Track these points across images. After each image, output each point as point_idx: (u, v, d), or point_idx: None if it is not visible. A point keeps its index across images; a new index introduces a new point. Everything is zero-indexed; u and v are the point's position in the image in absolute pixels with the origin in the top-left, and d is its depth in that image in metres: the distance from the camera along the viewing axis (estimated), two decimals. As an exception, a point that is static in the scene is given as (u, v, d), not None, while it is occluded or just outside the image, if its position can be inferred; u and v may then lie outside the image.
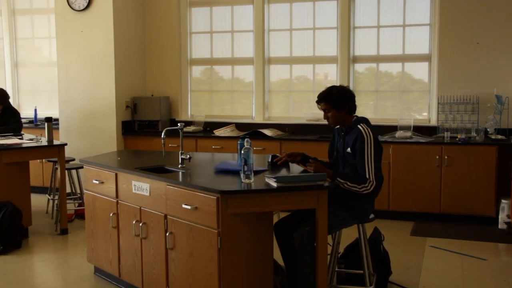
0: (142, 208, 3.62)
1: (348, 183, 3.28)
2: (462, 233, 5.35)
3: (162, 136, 3.86)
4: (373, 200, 3.49)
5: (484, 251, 4.81)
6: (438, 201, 5.71)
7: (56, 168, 5.54)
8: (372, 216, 3.54)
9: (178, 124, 3.96)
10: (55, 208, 5.80)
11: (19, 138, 5.62)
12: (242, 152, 3.17)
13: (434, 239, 5.17)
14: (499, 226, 5.42)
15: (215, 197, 3.01)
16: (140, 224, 3.62)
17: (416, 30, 6.34)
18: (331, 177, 3.32)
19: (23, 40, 8.00)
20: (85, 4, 6.58)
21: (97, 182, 4.02)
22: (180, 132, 3.91)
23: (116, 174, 3.84)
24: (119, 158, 4.33)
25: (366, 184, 3.28)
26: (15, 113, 6.21)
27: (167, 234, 3.38)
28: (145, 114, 6.93)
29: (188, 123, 6.91)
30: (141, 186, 3.60)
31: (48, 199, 6.17)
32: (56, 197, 5.77)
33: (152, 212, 3.53)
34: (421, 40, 6.32)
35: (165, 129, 3.89)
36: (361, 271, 3.55)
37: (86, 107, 6.75)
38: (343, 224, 3.44)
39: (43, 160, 6.95)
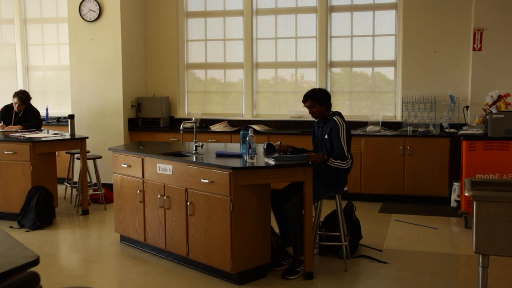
0: (165, 184, 4.57)
1: (338, 161, 4.29)
2: (421, 210, 6.41)
3: (181, 128, 4.82)
4: (347, 176, 4.51)
5: (437, 223, 5.88)
6: (402, 184, 6.77)
7: (78, 159, 6.44)
8: (346, 189, 4.57)
9: (193, 118, 4.91)
10: (75, 193, 6.69)
11: (44, 133, 6.50)
12: (247, 139, 4.17)
13: (398, 215, 6.22)
14: (451, 204, 6.48)
15: (228, 172, 3.99)
16: (164, 197, 4.57)
17: (384, 39, 7.40)
18: (325, 159, 4.31)
19: (33, 46, 8.84)
20: (96, 16, 7.48)
21: (125, 166, 4.96)
22: (194, 125, 4.87)
23: (142, 159, 4.78)
24: (141, 147, 5.26)
25: (348, 160, 4.30)
26: (35, 112, 7.04)
27: (188, 203, 4.34)
28: (148, 112, 7.85)
29: (185, 120, 7.83)
30: (165, 167, 4.55)
31: (66, 186, 7.05)
32: (75, 184, 6.67)
33: (174, 187, 4.48)
34: (387, 48, 7.38)
35: (183, 122, 4.85)
36: (338, 233, 4.57)
37: (96, 106, 7.63)
38: (324, 195, 4.45)
39: (56, 153, 7.79)
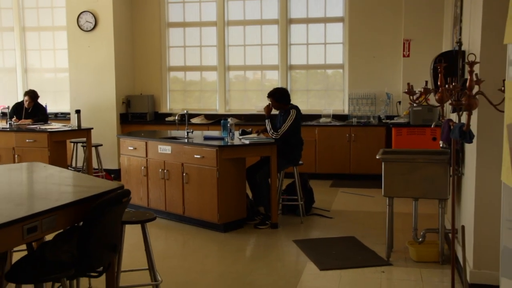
0: (165, 161, 5.99)
1: (272, 131, 5.79)
2: (363, 184, 8.01)
3: (176, 118, 6.24)
4: (300, 152, 6.05)
5: (374, 193, 7.46)
6: (348, 165, 8.36)
7: (83, 146, 7.77)
8: (301, 162, 6.12)
9: (185, 111, 6.34)
10: (79, 175, 8.01)
11: (54, 125, 7.80)
12: (229, 125, 5.66)
13: (345, 188, 7.80)
14: (387, 180, 8.11)
15: (215, 149, 5.46)
16: (165, 171, 6.00)
17: (333, 47, 8.98)
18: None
19: (31, 51, 10.05)
20: (92, 26, 8.79)
21: (131, 148, 6.36)
22: (186, 116, 6.30)
23: (146, 142, 6.20)
24: (142, 134, 6.66)
25: (276, 134, 5.79)
26: (42, 108, 8.32)
27: (184, 174, 5.79)
28: (136, 108, 9.21)
29: (168, 115, 9.28)
30: (164, 148, 5.98)
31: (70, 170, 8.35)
32: (78, 169, 8.00)
33: (173, 163, 5.92)
34: (337, 54, 8.97)
35: (178, 114, 6.27)
36: (296, 197, 6.09)
37: (92, 103, 8.95)
38: (285, 166, 5.98)
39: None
